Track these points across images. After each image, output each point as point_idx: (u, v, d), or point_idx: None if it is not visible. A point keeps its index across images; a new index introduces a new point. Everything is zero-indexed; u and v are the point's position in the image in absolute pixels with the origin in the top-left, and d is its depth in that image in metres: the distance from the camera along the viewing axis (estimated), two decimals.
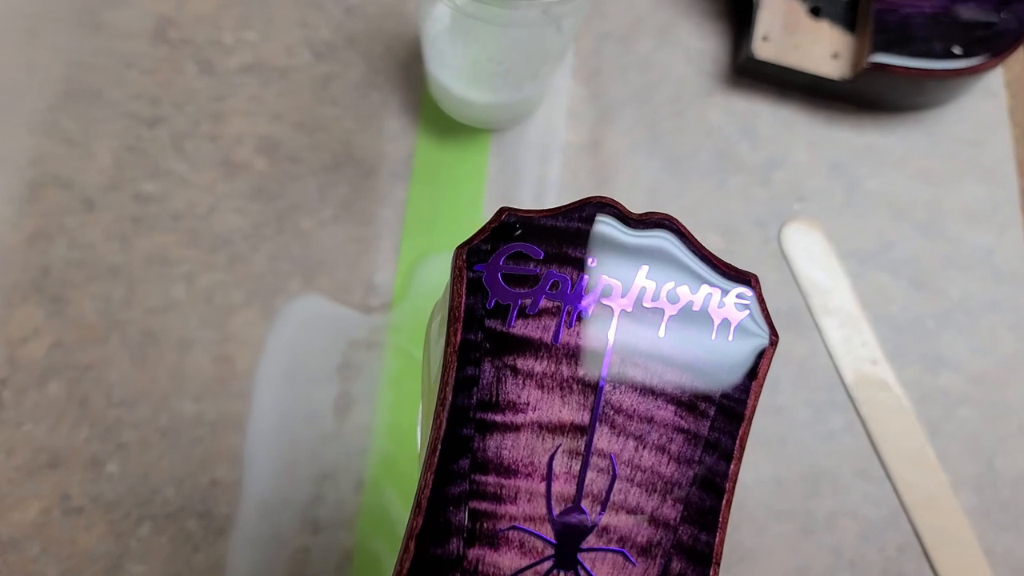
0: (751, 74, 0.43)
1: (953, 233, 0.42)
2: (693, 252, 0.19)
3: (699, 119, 0.42)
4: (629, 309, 0.18)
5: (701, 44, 0.44)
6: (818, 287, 0.40)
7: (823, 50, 0.42)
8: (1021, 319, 0.41)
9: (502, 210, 0.19)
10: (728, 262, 0.19)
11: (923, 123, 0.44)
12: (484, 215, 0.39)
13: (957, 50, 0.41)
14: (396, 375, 0.35)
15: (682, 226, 0.19)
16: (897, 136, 0.44)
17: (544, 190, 0.39)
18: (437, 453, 0.17)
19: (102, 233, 0.36)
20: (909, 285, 0.41)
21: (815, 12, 0.42)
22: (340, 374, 0.35)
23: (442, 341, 0.20)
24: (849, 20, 0.43)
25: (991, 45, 0.41)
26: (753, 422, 0.18)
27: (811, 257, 0.41)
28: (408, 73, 0.41)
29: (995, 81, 0.46)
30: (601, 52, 0.43)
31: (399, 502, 0.34)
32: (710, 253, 0.19)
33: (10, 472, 0.32)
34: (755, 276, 0.19)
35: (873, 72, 0.40)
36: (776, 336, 0.19)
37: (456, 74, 0.37)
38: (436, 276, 0.37)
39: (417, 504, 0.17)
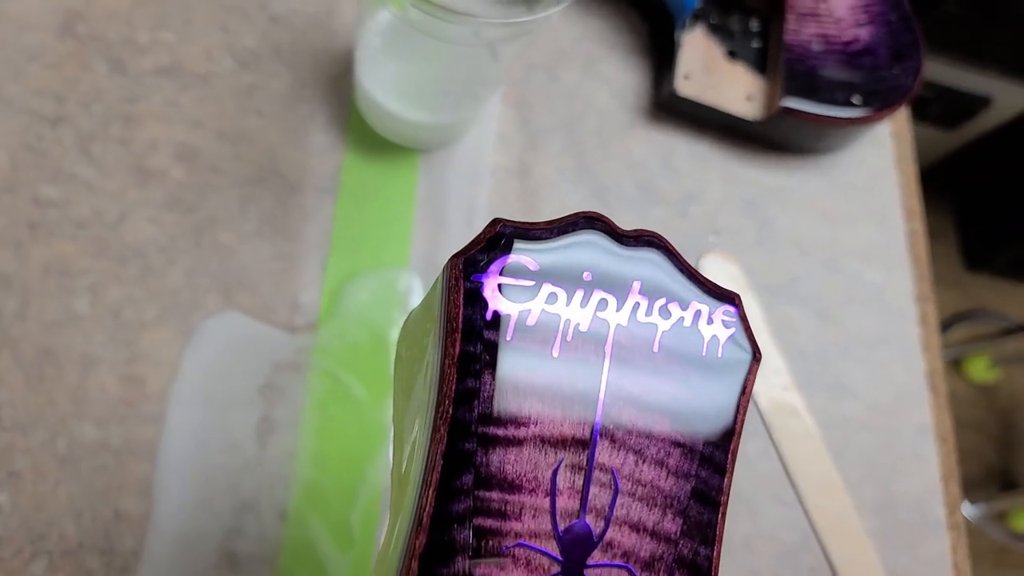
0: (669, 110, 0.45)
1: (851, 270, 0.45)
2: (681, 270, 0.19)
3: (622, 151, 0.43)
4: (624, 323, 0.18)
5: (624, 78, 0.45)
6: None
7: (738, 92, 0.44)
8: (907, 353, 0.44)
9: (496, 221, 0.18)
10: (709, 279, 0.19)
11: (822, 167, 0.47)
12: (414, 235, 0.38)
13: (856, 100, 0.44)
14: (322, 399, 0.34)
15: (670, 244, 0.19)
16: (800, 178, 0.46)
17: (474, 212, 0.39)
18: (438, 470, 0.16)
19: None
20: (815, 317, 0.43)
21: (731, 55, 0.45)
22: (262, 397, 0.33)
23: (424, 356, 0.19)
24: (761, 64, 0.45)
25: (885, 97, 0.44)
26: None
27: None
28: (336, 88, 0.40)
29: (882, 132, 0.50)
30: (529, 81, 0.43)
31: (326, 535, 0.32)
32: (696, 272, 0.19)
33: None
34: (738, 295, 0.19)
35: (783, 115, 0.43)
36: (760, 353, 0.19)
37: (390, 90, 0.36)
38: (364, 296, 0.36)
39: (419, 522, 0.16)
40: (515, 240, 0.18)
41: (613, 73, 0.45)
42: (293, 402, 0.33)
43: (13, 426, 0.30)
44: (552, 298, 0.18)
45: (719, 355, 0.19)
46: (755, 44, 0.45)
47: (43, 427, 0.30)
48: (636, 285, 0.19)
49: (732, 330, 0.19)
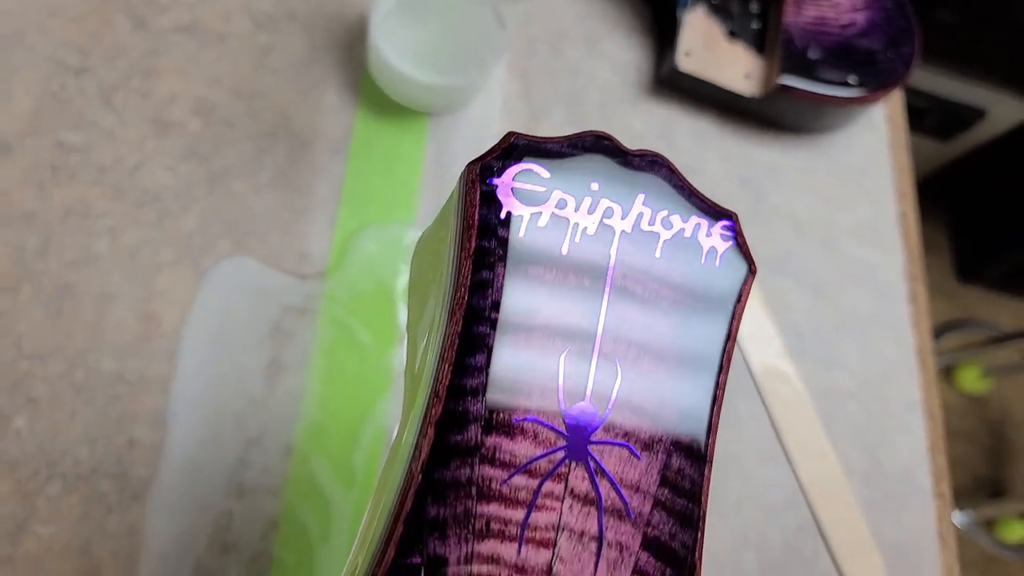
0: (670, 85, 0.46)
1: (844, 248, 0.46)
2: (682, 187, 0.20)
3: (623, 124, 0.45)
4: (629, 231, 0.19)
5: (626, 56, 0.47)
6: None
7: (737, 70, 0.46)
8: (898, 331, 0.45)
9: (510, 134, 0.19)
10: (709, 198, 0.21)
11: (818, 147, 0.49)
12: (420, 194, 0.39)
13: (852, 80, 0.45)
14: (329, 344, 0.35)
15: (672, 165, 0.20)
16: (796, 156, 0.48)
17: None
18: (455, 347, 0.17)
19: (18, 178, 0.34)
20: (808, 291, 0.44)
21: (732, 35, 0.46)
22: (271, 339, 0.34)
23: (439, 264, 0.20)
24: (760, 45, 0.47)
25: (880, 79, 0.46)
26: None
27: None
28: (350, 52, 0.41)
29: (877, 116, 0.51)
30: (533, 55, 0.45)
31: (329, 472, 0.33)
32: (697, 190, 0.20)
33: None
34: (736, 214, 0.21)
35: (779, 93, 0.44)
36: (755, 267, 0.20)
37: (403, 52, 0.38)
38: (372, 248, 0.37)
39: (435, 393, 0.17)
40: (528, 151, 0.19)
41: (615, 51, 0.47)
42: (301, 346, 0.34)
43: (32, 355, 0.31)
44: (562, 203, 0.19)
45: (717, 264, 0.20)
46: (755, 25, 0.47)
47: (61, 358, 0.32)
48: (640, 197, 0.20)
49: (729, 243, 0.20)
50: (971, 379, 1.60)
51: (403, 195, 0.39)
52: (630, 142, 0.43)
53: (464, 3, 0.39)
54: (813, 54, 0.45)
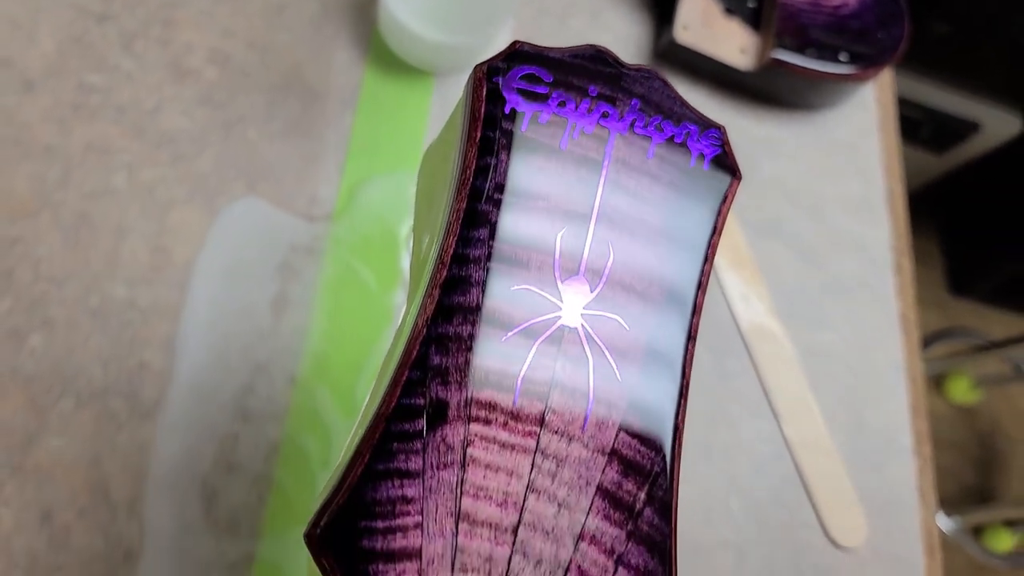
0: (669, 59, 0.48)
1: (832, 218, 0.48)
2: (674, 98, 0.22)
3: None
4: (624, 133, 0.21)
5: (628, 29, 0.48)
6: (722, 248, 0.44)
7: (733, 44, 0.47)
8: (882, 296, 0.47)
9: (516, 42, 0.21)
10: (700, 111, 0.22)
11: (810, 122, 0.50)
12: (424, 148, 0.41)
13: (844, 57, 0.47)
14: (334, 282, 0.36)
15: (665, 78, 0.22)
16: (789, 130, 0.49)
17: None
18: (460, 221, 0.19)
19: (40, 115, 0.35)
20: (797, 256, 0.46)
21: (728, 11, 0.48)
22: (279, 275, 0.36)
23: (446, 165, 0.22)
24: (755, 22, 0.48)
25: (871, 58, 0.48)
26: None
27: None
28: (361, 13, 0.43)
29: (868, 96, 0.53)
30: (539, 24, 0.46)
31: (332, 402, 0.34)
32: (687, 103, 0.22)
33: None
34: (724, 126, 0.22)
35: (773, 67, 0.46)
36: (740, 173, 0.22)
37: (413, 10, 0.39)
38: (378, 195, 0.38)
39: (441, 261, 0.18)
40: (532, 56, 0.21)
41: (618, 24, 0.48)
42: (307, 283, 0.36)
43: (50, 278, 0.33)
44: (562, 104, 0.21)
45: (704, 167, 0.21)
46: (751, 4, 0.49)
47: (77, 283, 0.33)
48: (635, 103, 0.21)
49: (717, 150, 0.22)
50: (961, 390, 1.62)
51: (408, 148, 0.40)
52: None
53: None
54: (807, 31, 0.47)
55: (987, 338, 1.61)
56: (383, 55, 0.42)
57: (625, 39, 0.48)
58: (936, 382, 1.64)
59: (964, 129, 1.51)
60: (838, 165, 0.49)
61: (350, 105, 0.40)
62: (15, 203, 0.33)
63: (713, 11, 0.48)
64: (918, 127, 1.50)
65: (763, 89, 0.48)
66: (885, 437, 0.43)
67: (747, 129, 0.48)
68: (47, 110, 0.35)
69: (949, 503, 1.53)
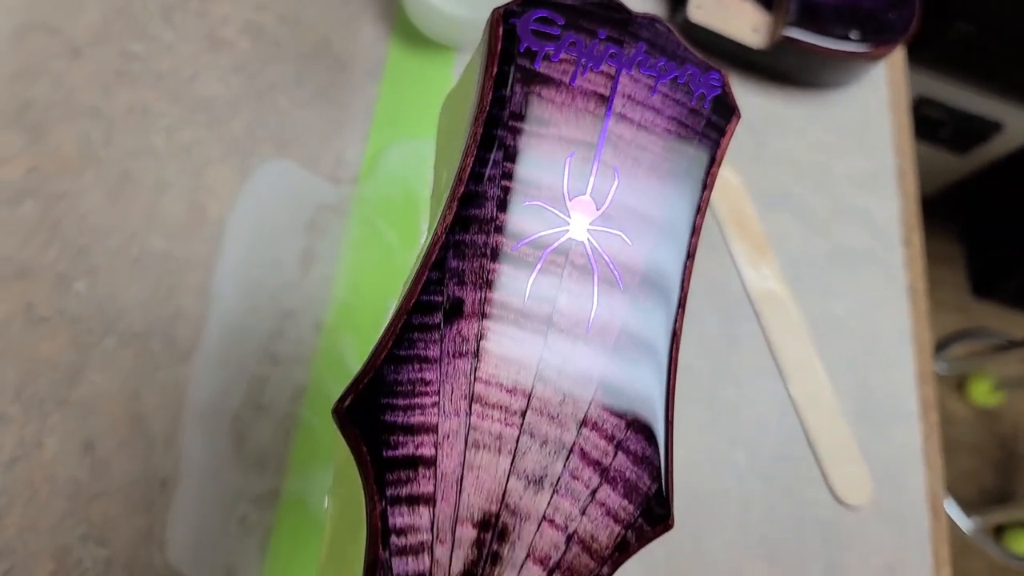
0: (683, 37, 0.49)
1: (841, 192, 0.49)
2: (678, 43, 0.23)
3: None
4: (630, 71, 0.22)
5: (643, 7, 0.50)
6: (732, 218, 0.46)
7: (745, 23, 0.49)
8: (890, 267, 0.48)
9: None
10: (703, 57, 0.24)
11: (821, 101, 0.52)
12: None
13: (854, 35, 0.48)
14: (358, 239, 0.38)
15: (671, 26, 0.24)
16: (800, 109, 0.51)
17: None
18: (477, 143, 0.20)
19: (86, 79, 0.37)
20: (805, 227, 0.47)
21: None
22: (307, 232, 0.38)
23: (466, 103, 0.24)
24: (768, 3, 0.50)
25: (882, 36, 0.49)
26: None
27: (727, 194, 0.46)
28: None
29: (878, 77, 0.54)
30: None
31: (356, 348, 0.36)
32: (691, 48, 0.23)
33: None
34: (724, 71, 0.24)
35: (785, 45, 0.47)
36: (739, 111, 0.23)
37: None
38: (401, 160, 0.40)
39: (459, 179, 0.20)
40: (546, 2, 0.23)
41: (635, 4, 0.50)
42: (333, 239, 0.38)
43: (94, 230, 0.35)
44: (572, 45, 0.22)
45: (705, 106, 0.23)
46: None
47: (119, 234, 0.35)
48: (642, 46, 0.23)
49: (717, 90, 0.23)
50: (983, 392, 1.61)
51: (430, 118, 0.42)
52: None
53: None
54: (818, 9, 0.48)
55: (1006, 336, 1.60)
56: (407, 30, 0.44)
57: None
58: (958, 384, 1.63)
59: (986, 129, 1.51)
60: (848, 142, 0.51)
61: (375, 76, 0.42)
62: (62, 160, 0.36)
63: None
64: (940, 127, 1.50)
65: (775, 67, 0.50)
66: (891, 402, 0.44)
67: (759, 106, 0.50)
68: (92, 75, 0.38)
69: (970, 504, 1.52)
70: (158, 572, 0.31)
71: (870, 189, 0.50)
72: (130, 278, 0.34)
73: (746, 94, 0.50)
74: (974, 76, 1.40)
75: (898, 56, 0.56)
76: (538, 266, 0.20)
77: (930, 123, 1.45)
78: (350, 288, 0.37)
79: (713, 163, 0.23)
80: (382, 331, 0.19)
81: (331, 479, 0.22)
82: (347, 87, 0.41)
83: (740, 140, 0.48)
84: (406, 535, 0.17)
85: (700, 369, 0.42)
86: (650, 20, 0.24)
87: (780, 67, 0.50)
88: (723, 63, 0.50)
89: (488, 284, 0.19)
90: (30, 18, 0.38)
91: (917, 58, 1.35)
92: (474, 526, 0.17)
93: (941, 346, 1.59)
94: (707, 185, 0.22)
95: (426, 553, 0.17)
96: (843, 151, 0.50)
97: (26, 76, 0.37)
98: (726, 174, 0.47)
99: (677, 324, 0.21)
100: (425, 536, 0.17)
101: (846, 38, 0.48)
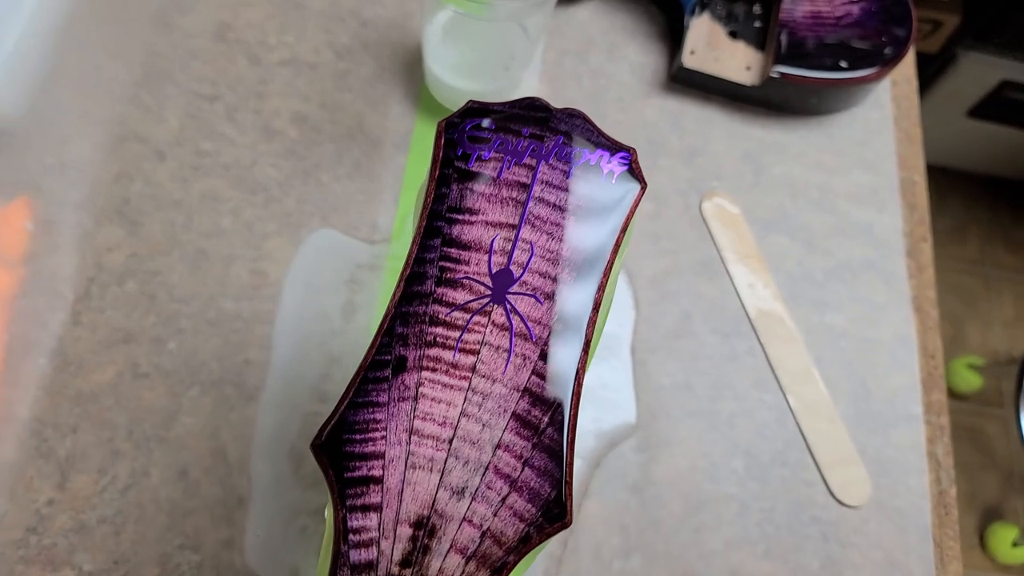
0: (681, 82, 0.54)
1: (840, 209, 0.53)
2: (592, 131, 0.29)
3: (638, 115, 0.53)
4: (549, 161, 0.28)
5: (643, 59, 0.55)
6: (729, 244, 0.50)
7: (738, 63, 0.53)
8: (891, 276, 0.51)
9: (470, 101, 0.29)
10: (616, 139, 0.29)
11: (822, 126, 0.55)
12: None
13: (843, 64, 0.52)
14: (393, 290, 0.45)
15: (586, 116, 0.29)
16: (799, 135, 0.55)
17: None
18: (421, 234, 0.27)
19: (169, 176, 0.46)
20: (802, 246, 0.51)
21: (733, 35, 0.54)
22: (347, 287, 0.45)
23: (423, 194, 0.30)
24: (760, 42, 0.54)
25: (873, 62, 0.52)
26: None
27: (724, 221, 0.51)
28: (410, 71, 0.52)
29: (883, 95, 0.57)
30: (562, 64, 0.54)
31: None
32: (605, 134, 0.29)
33: (94, 345, 0.42)
34: (634, 149, 0.29)
35: (776, 80, 0.52)
36: (645, 184, 0.29)
37: (450, 67, 0.48)
38: None
39: (407, 262, 0.27)
40: (479, 111, 0.29)
41: (634, 56, 0.55)
42: (370, 292, 0.45)
43: (180, 299, 0.44)
44: (501, 145, 0.29)
45: (613, 182, 0.29)
46: (757, 24, 0.55)
47: (198, 301, 0.44)
48: (559, 138, 0.29)
49: (625, 167, 0.29)
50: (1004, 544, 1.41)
51: None
52: (643, 129, 0.52)
53: (496, 25, 0.49)
54: (806, 44, 0.52)
55: None
56: (430, 104, 0.51)
57: (641, 68, 0.55)
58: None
59: None
60: (847, 161, 0.54)
61: (403, 147, 0.50)
62: (153, 244, 0.45)
63: (719, 35, 0.54)
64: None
65: (769, 99, 0.54)
66: (892, 405, 0.48)
67: (757, 136, 0.54)
68: (174, 172, 0.47)
69: None
70: (238, 572, 0.39)
71: (871, 203, 0.53)
72: (208, 336, 0.43)
73: (745, 127, 0.54)
74: None
75: (906, 68, 0.59)
76: (466, 327, 0.26)
77: (1016, 106, 1.41)
78: None
79: (621, 229, 0.28)
80: (347, 384, 0.26)
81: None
82: (379, 160, 0.49)
83: (739, 171, 0.53)
84: (359, 533, 0.23)
85: (698, 385, 0.46)
86: (568, 114, 0.30)
87: (774, 99, 0.54)
88: (721, 100, 0.55)
89: (426, 344, 0.26)
90: (124, 130, 0.47)
91: (997, 43, 1.32)
92: (410, 526, 0.24)
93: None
94: (615, 248, 0.28)
95: (374, 546, 0.23)
96: (842, 169, 0.54)
97: (124, 178, 0.46)
98: (723, 204, 0.51)
99: (580, 364, 0.26)
100: (374, 534, 0.23)
101: (836, 68, 0.52)
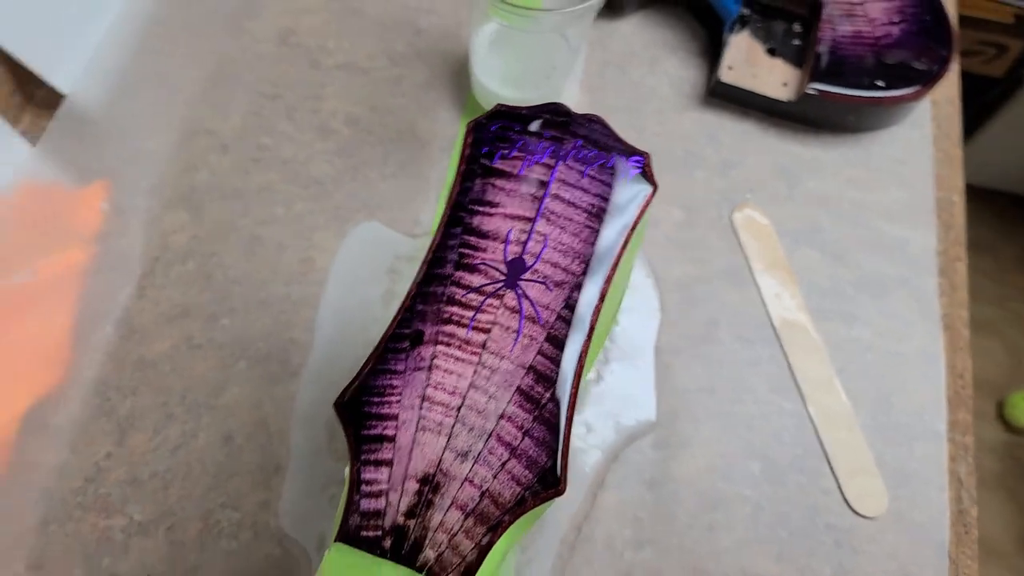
0: (719, 96, 0.56)
1: (874, 225, 0.53)
2: (610, 135, 0.31)
3: (676, 127, 0.55)
4: (567, 161, 0.31)
5: (683, 73, 0.57)
6: (758, 254, 0.52)
7: (776, 79, 0.55)
8: (922, 293, 0.52)
9: (498, 104, 0.32)
10: (632, 144, 0.32)
11: (860, 143, 0.56)
12: None
13: (880, 83, 0.53)
14: None
15: (604, 121, 0.32)
16: (836, 151, 0.56)
17: None
18: (445, 223, 0.30)
19: (231, 167, 0.50)
20: (833, 260, 0.52)
21: (771, 52, 0.56)
22: (388, 276, 0.48)
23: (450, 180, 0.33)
24: (798, 59, 0.55)
25: (912, 82, 0.53)
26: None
27: (754, 232, 0.52)
28: (458, 79, 0.55)
29: (923, 115, 0.58)
30: (603, 75, 0.57)
31: None
32: (620, 138, 0.31)
33: (156, 317, 0.46)
34: (648, 153, 0.31)
35: (812, 96, 0.53)
36: (656, 186, 0.31)
37: (495, 76, 0.51)
38: None
39: (431, 247, 0.29)
40: (506, 114, 0.31)
41: (674, 70, 0.57)
42: (409, 282, 0.48)
43: (234, 280, 0.47)
44: (524, 145, 0.31)
45: (627, 183, 0.31)
46: (796, 42, 0.56)
47: (251, 282, 0.47)
48: (578, 141, 0.31)
49: (638, 170, 0.31)
50: None
51: None
52: (680, 140, 0.54)
53: (539, 36, 0.52)
54: (845, 62, 0.53)
55: None
56: (475, 111, 0.54)
57: (680, 82, 0.57)
58: None
59: None
60: (883, 178, 0.55)
61: (448, 151, 0.53)
62: (213, 229, 0.48)
63: (757, 51, 0.55)
64: None
65: (806, 116, 0.55)
66: (915, 420, 0.48)
67: (792, 151, 0.55)
68: (235, 163, 0.50)
69: None
70: (272, 532, 0.42)
71: (905, 221, 0.54)
72: (258, 315, 0.46)
73: (782, 142, 0.56)
74: None
75: (949, 88, 0.59)
76: (480, 308, 0.29)
77: None
78: None
79: (630, 227, 0.31)
80: (369, 353, 0.28)
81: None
82: (426, 161, 0.52)
83: (773, 184, 0.54)
84: (371, 485, 0.26)
85: (720, 389, 0.48)
86: (588, 119, 0.32)
87: (811, 115, 0.55)
88: (759, 115, 0.56)
89: (442, 321, 0.28)
90: (193, 125, 0.51)
91: None
92: (417, 481, 0.26)
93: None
94: (625, 244, 0.30)
95: (383, 497, 0.26)
96: (878, 186, 0.55)
97: (191, 169, 0.50)
98: (754, 215, 0.53)
99: (583, 348, 0.29)
100: (384, 486, 0.26)
101: (872, 87, 0.53)
